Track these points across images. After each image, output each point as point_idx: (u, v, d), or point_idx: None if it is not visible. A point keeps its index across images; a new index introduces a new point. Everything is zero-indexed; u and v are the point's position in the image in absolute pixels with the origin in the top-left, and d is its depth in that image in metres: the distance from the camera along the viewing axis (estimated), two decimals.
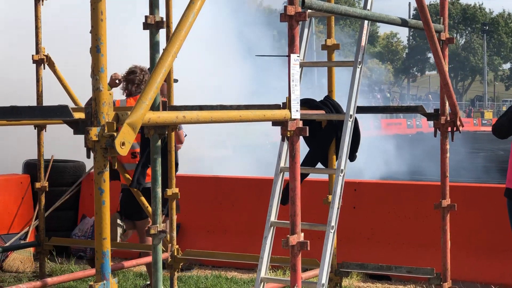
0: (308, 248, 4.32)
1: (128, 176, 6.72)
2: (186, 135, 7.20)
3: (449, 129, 6.07)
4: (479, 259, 7.48)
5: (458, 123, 6.07)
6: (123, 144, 3.12)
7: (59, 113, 3.37)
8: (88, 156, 3.19)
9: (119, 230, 6.90)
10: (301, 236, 4.38)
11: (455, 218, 7.01)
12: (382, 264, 6.48)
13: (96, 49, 3.19)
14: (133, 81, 6.94)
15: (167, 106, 5.75)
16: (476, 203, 7.56)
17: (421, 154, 27.10)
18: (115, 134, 3.11)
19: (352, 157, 5.54)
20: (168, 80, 6.13)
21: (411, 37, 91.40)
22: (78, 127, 3.26)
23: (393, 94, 77.29)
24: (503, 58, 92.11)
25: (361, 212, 7.95)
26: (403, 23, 5.60)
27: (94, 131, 3.13)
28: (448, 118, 6.04)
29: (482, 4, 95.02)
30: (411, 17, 68.87)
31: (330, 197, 5.75)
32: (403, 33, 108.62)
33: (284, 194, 5.13)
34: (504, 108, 41.55)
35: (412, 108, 6.35)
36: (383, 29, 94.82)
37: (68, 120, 3.33)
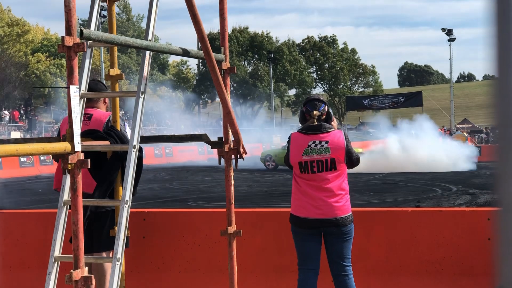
0: (93, 283, 4.24)
1: None
2: None
3: (233, 156, 6.21)
4: (268, 281, 7.67)
5: (242, 150, 6.21)
6: None
7: None
8: None
9: None
10: (85, 271, 4.29)
11: (243, 242, 7.17)
12: None
13: None
14: None
15: None
16: (263, 227, 7.76)
17: (212, 180, 27.55)
18: None
19: (134, 191, 5.44)
20: None
21: (201, 64, 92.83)
22: None
23: (183, 121, 77.96)
24: (288, 85, 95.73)
25: (150, 241, 7.93)
26: (185, 53, 5.67)
27: None
28: (232, 146, 6.18)
29: (269, 32, 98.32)
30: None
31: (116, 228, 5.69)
32: (193, 61, 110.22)
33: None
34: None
35: (196, 137, 6.42)
36: (173, 57, 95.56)
37: None
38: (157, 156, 46.17)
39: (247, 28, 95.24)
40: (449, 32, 69.49)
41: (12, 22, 67.72)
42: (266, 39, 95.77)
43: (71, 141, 4.18)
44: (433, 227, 7.26)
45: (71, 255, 4.40)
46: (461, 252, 7.17)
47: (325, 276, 6.54)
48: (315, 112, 6.13)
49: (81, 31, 4.23)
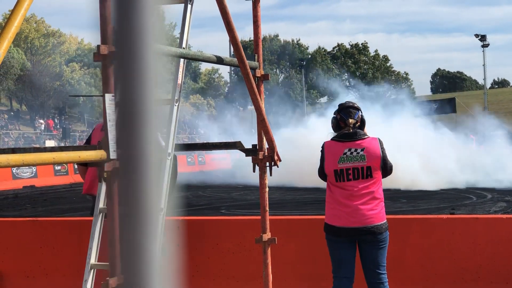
0: None
1: None
2: None
3: (267, 163, 6.19)
4: None
5: (276, 157, 6.19)
6: None
7: None
8: None
9: None
10: (121, 278, 4.30)
11: (277, 249, 7.15)
12: None
13: None
14: None
15: None
16: (296, 234, 7.74)
17: (245, 188, 27.55)
18: None
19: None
20: None
21: (232, 72, 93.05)
22: None
23: (216, 129, 78.06)
24: (320, 92, 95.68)
25: (185, 249, 7.94)
26: (219, 60, 5.67)
27: None
28: (266, 153, 6.16)
29: (299, 40, 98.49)
30: (232, 53, 69.99)
31: None
32: (224, 69, 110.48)
33: None
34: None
35: (231, 145, 6.42)
36: (205, 65, 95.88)
37: None
38: (190, 164, 46.28)
39: (277, 36, 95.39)
40: (482, 38, 68.88)
41: (48, 33, 68.47)
42: (297, 46, 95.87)
43: (107, 149, 4.20)
44: (469, 234, 7.19)
45: (107, 263, 4.41)
46: (497, 260, 7.09)
47: (360, 284, 6.50)
48: (350, 120, 6.09)
49: None
